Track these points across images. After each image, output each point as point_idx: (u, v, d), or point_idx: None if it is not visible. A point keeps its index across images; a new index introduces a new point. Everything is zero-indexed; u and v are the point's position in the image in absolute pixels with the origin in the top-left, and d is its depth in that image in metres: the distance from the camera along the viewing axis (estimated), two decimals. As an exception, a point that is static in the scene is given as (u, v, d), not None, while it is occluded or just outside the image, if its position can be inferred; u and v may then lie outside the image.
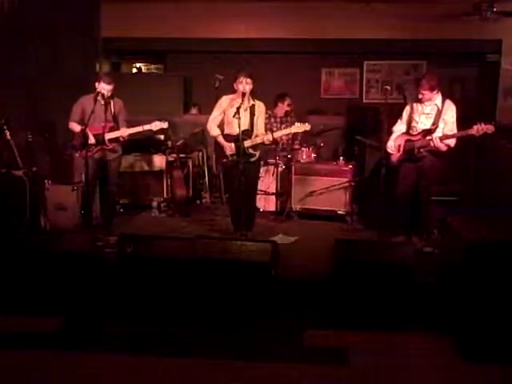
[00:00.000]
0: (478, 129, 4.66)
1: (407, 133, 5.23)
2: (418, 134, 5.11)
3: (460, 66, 8.46)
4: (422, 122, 5.12)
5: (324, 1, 7.81)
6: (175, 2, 7.87)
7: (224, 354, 3.44)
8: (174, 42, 8.17)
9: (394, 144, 5.26)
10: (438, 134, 4.99)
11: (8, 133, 5.36)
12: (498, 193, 6.20)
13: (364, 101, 9.04)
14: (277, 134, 5.45)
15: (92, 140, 5.23)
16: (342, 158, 6.53)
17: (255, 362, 3.33)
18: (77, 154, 5.39)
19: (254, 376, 3.21)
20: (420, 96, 5.05)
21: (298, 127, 5.25)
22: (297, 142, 6.64)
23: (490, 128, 4.63)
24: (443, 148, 4.97)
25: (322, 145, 6.81)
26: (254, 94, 5.27)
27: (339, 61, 8.92)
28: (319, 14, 7.77)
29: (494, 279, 3.64)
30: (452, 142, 4.98)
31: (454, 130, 4.98)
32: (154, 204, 6.77)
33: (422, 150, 5.05)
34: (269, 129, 6.22)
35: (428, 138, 5.00)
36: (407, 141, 5.18)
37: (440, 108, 5.03)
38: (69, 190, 5.74)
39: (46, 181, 5.75)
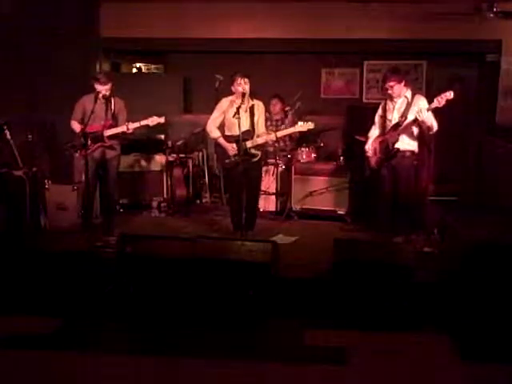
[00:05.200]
0: (439, 100, 4.66)
1: (381, 134, 5.25)
2: (389, 130, 5.13)
3: (460, 66, 8.44)
4: (395, 119, 5.14)
5: (324, 1, 7.79)
6: (175, 2, 7.85)
7: (224, 353, 3.43)
8: (174, 41, 8.14)
9: (370, 148, 5.31)
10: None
11: (8, 133, 5.36)
12: (498, 193, 6.20)
13: (364, 101, 9.01)
14: (281, 133, 5.44)
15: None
16: (342, 157, 6.53)
17: (255, 362, 3.33)
18: (77, 154, 5.39)
19: (254, 376, 3.20)
20: (390, 91, 5.08)
21: (302, 126, 5.24)
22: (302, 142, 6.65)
23: (448, 95, 4.62)
24: (428, 123, 4.90)
25: (322, 145, 6.81)
26: (253, 94, 5.27)
27: (339, 61, 8.90)
28: (319, 14, 7.74)
29: (493, 279, 3.64)
30: (433, 125, 4.93)
31: (431, 116, 4.88)
32: (154, 204, 6.78)
33: (395, 145, 5.06)
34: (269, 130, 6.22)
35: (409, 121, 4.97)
36: (381, 142, 5.21)
37: (409, 100, 5.06)
38: (69, 190, 5.76)
39: (45, 181, 5.76)
